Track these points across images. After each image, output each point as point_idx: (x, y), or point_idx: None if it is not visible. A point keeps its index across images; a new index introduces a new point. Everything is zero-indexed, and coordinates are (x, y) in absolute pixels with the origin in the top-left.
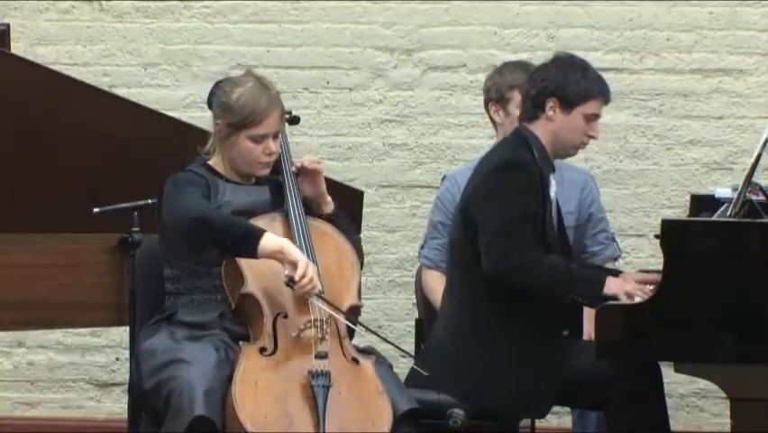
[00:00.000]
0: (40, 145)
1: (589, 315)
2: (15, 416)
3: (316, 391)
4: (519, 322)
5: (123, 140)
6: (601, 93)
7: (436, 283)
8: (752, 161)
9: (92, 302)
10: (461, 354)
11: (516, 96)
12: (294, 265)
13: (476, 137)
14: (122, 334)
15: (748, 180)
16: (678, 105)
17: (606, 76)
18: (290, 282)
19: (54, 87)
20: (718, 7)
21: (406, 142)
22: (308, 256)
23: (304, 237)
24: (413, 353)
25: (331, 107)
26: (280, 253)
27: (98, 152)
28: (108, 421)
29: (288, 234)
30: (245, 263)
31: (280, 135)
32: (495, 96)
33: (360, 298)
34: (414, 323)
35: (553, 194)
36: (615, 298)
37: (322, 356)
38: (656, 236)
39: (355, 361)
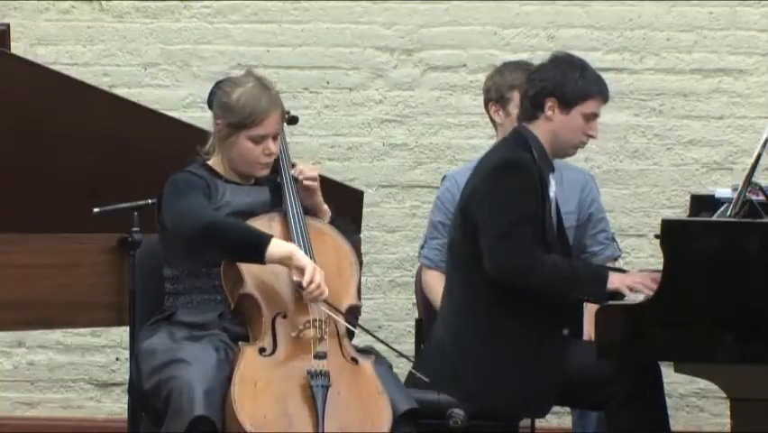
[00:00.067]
0: (40, 145)
1: (589, 315)
2: (15, 416)
3: (316, 391)
4: (519, 322)
5: (123, 140)
6: (600, 92)
7: (436, 283)
8: (752, 161)
9: (92, 302)
10: (460, 354)
11: (516, 97)
12: (301, 271)
13: (476, 137)
14: (122, 334)
15: (748, 180)
16: (678, 105)
17: (606, 76)
18: (300, 288)
19: (54, 87)
20: (718, 7)
21: (406, 142)
22: (308, 256)
23: (303, 237)
24: (413, 353)
25: (331, 107)
26: (288, 259)
27: (98, 152)
28: (108, 421)
29: (287, 234)
30: (245, 264)
31: (279, 136)
32: (495, 96)
33: (359, 298)
34: (414, 323)
35: (552, 194)
36: (618, 293)
37: (321, 356)
38: (656, 236)
39: (354, 361)
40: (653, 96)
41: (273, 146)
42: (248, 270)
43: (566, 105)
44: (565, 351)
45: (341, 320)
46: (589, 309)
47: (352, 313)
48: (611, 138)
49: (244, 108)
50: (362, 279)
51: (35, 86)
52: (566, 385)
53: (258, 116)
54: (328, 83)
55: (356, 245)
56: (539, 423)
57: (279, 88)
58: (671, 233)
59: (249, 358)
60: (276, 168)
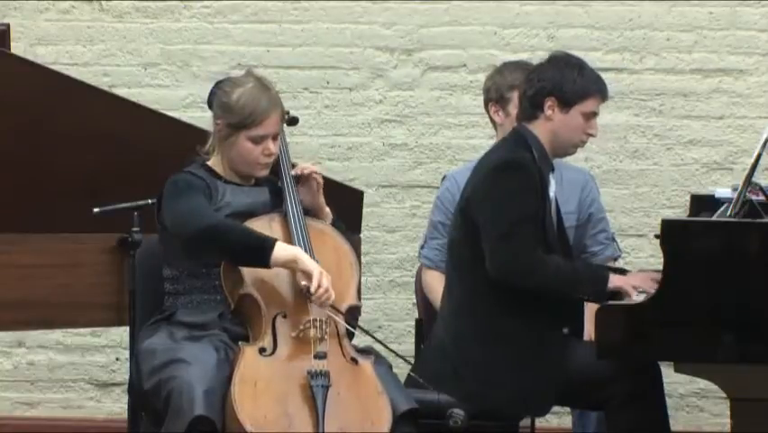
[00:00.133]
0: (40, 145)
1: (590, 315)
2: (15, 416)
3: (316, 392)
4: (519, 321)
5: (123, 140)
6: (599, 91)
7: (436, 283)
8: (752, 161)
9: (92, 302)
10: (461, 354)
11: (516, 97)
12: (307, 275)
13: (476, 137)
14: (122, 334)
15: (748, 180)
16: (678, 105)
17: (606, 76)
18: (307, 293)
19: (54, 87)
20: (718, 7)
21: (406, 142)
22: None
23: (303, 238)
24: (413, 353)
25: (331, 107)
26: (294, 262)
27: (98, 152)
28: (108, 421)
29: (287, 234)
30: None
31: (279, 136)
32: (495, 97)
33: (359, 298)
34: (414, 323)
35: (552, 193)
36: (618, 293)
37: (321, 356)
38: (656, 236)
39: (354, 361)
40: (653, 96)
41: (273, 146)
42: (248, 270)
43: (565, 104)
44: (565, 350)
45: (339, 320)
46: (590, 309)
47: (352, 313)
48: (611, 138)
49: (244, 108)
50: (362, 279)
51: (35, 86)
52: (566, 385)
53: (258, 117)
54: (328, 83)
55: (356, 245)
56: (539, 423)
57: (279, 88)
58: (671, 233)
59: (249, 358)
60: (276, 168)
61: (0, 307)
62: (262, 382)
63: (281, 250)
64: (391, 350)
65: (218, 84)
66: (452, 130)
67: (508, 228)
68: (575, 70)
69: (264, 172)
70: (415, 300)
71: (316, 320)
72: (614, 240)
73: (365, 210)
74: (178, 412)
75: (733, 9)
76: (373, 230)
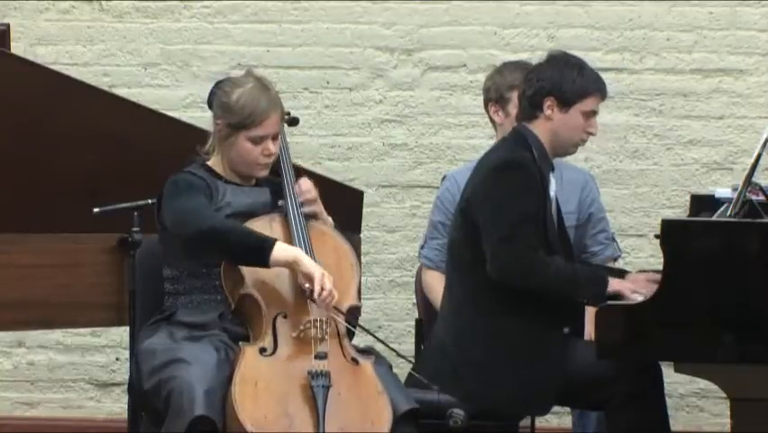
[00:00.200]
0: (40, 145)
1: (590, 315)
2: (15, 416)
3: (316, 392)
4: (520, 321)
5: (123, 140)
6: (598, 89)
7: (436, 283)
8: (752, 161)
9: (92, 302)
10: (461, 353)
11: (516, 97)
12: (309, 277)
13: (476, 137)
14: (122, 334)
15: (748, 180)
16: (678, 105)
17: (606, 76)
18: (310, 295)
19: (54, 87)
20: (718, 7)
21: (406, 142)
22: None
23: (303, 238)
24: (413, 353)
25: (331, 107)
26: (294, 263)
27: (98, 151)
28: (108, 421)
29: (287, 234)
30: None
31: (280, 136)
32: (494, 97)
33: (359, 298)
34: (414, 323)
35: (552, 193)
36: (617, 296)
37: (321, 357)
38: (656, 236)
39: (355, 361)
40: (653, 96)
41: (273, 147)
42: (248, 270)
43: (565, 103)
44: (566, 350)
45: (340, 320)
46: (591, 309)
47: (353, 314)
48: (611, 138)
49: (244, 109)
50: (362, 279)
51: (35, 86)
52: (566, 385)
53: (257, 117)
54: (328, 83)
55: (356, 245)
56: (539, 423)
57: (279, 88)
58: (671, 233)
59: (249, 358)
60: (276, 169)
61: (0, 307)
62: (263, 382)
63: (281, 250)
64: (392, 349)
65: (218, 84)
66: (452, 130)
67: (509, 230)
68: (574, 70)
69: (264, 173)
70: (415, 300)
71: (317, 320)
72: (614, 240)
73: (365, 210)
74: (179, 412)
75: (733, 9)
76: (373, 230)
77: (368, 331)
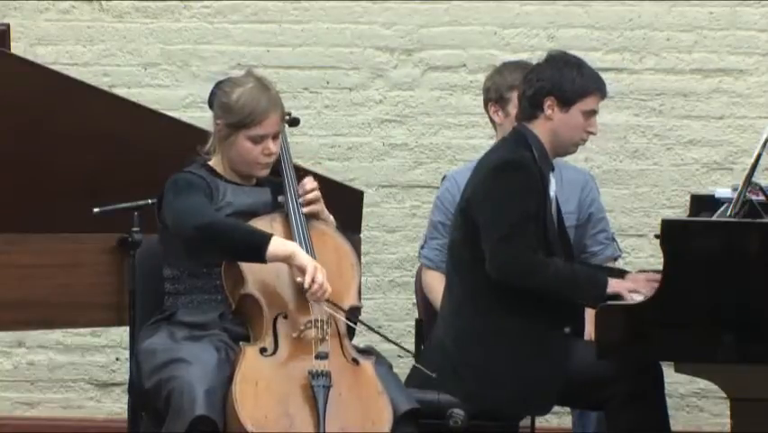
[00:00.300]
0: (40, 145)
1: (590, 315)
2: (15, 416)
3: (317, 392)
4: (520, 320)
5: (123, 140)
6: (598, 89)
7: (436, 283)
8: (752, 161)
9: (92, 302)
10: (461, 353)
11: (516, 97)
12: (302, 270)
13: (476, 137)
14: (122, 334)
15: (748, 180)
16: (678, 105)
17: (606, 76)
18: (303, 288)
19: (54, 87)
20: (718, 7)
21: (406, 142)
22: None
23: (304, 237)
24: (413, 353)
25: (331, 107)
26: (290, 258)
27: (98, 151)
28: (108, 421)
29: (288, 234)
30: (246, 264)
31: (280, 136)
32: (494, 97)
33: (360, 299)
34: (414, 323)
35: (552, 193)
36: (617, 296)
37: (322, 357)
38: (656, 236)
39: (355, 361)
40: (653, 96)
41: (273, 146)
42: (249, 270)
43: (565, 103)
44: (566, 349)
45: (342, 318)
46: (591, 310)
47: (353, 314)
48: (611, 138)
49: (244, 108)
50: (362, 279)
51: (35, 86)
52: (566, 385)
53: (257, 116)
54: (328, 83)
55: (356, 245)
56: (539, 423)
57: (279, 88)
58: (671, 233)
59: (250, 358)
60: (277, 169)
61: (0, 307)
62: (263, 382)
63: (277, 245)
64: (395, 343)
65: (218, 84)
66: (452, 130)
67: (509, 229)
68: (574, 69)
69: (264, 172)
70: (415, 300)
71: (317, 321)
72: (614, 240)
73: (365, 210)
74: (179, 412)
75: (733, 9)
76: (373, 230)
77: (369, 327)
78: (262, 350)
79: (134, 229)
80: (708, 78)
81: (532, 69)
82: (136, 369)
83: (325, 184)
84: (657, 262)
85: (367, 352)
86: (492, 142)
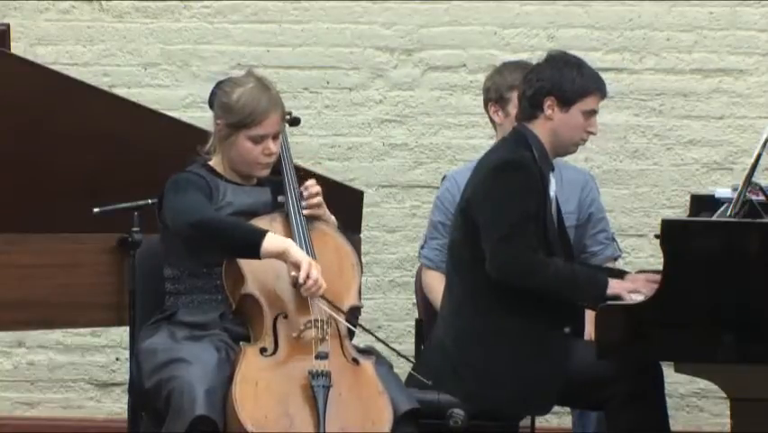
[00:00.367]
0: (40, 145)
1: (590, 315)
2: (15, 416)
3: (317, 392)
4: (520, 320)
5: (123, 140)
6: (598, 88)
7: (436, 283)
8: (752, 161)
9: (92, 302)
10: (461, 353)
11: (516, 97)
12: (296, 266)
13: (476, 137)
14: (122, 334)
15: (748, 180)
16: (678, 105)
17: (606, 76)
18: (296, 284)
19: (54, 87)
20: (718, 7)
21: (406, 142)
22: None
23: (304, 237)
24: (413, 353)
25: (331, 107)
26: (284, 253)
27: (98, 151)
28: (108, 421)
29: (289, 234)
30: (245, 264)
31: (281, 136)
32: (494, 97)
33: (360, 299)
34: (414, 323)
35: (552, 193)
36: (617, 297)
37: (322, 357)
38: (656, 236)
39: (355, 361)
40: (653, 96)
41: (273, 146)
42: (249, 270)
43: (565, 103)
44: (566, 349)
45: (341, 319)
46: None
47: (353, 314)
48: (611, 138)
49: (244, 108)
50: (363, 279)
51: (35, 86)
52: (566, 385)
53: (257, 116)
54: (328, 83)
55: (356, 245)
56: (539, 423)
57: (279, 88)
58: (671, 233)
59: (250, 358)
60: (277, 168)
61: (0, 307)
62: (263, 382)
63: (272, 241)
64: (392, 348)
65: (219, 84)
66: (452, 130)
67: (509, 229)
68: (574, 69)
69: (265, 172)
70: (415, 300)
71: (317, 321)
72: (614, 240)
73: (365, 210)
74: (179, 412)
75: (733, 9)
76: (373, 230)
77: (368, 331)
78: (262, 350)
79: (134, 229)
80: (708, 78)
81: (532, 69)
82: (136, 369)
83: (325, 184)
84: (657, 262)
85: (367, 352)
86: (492, 142)
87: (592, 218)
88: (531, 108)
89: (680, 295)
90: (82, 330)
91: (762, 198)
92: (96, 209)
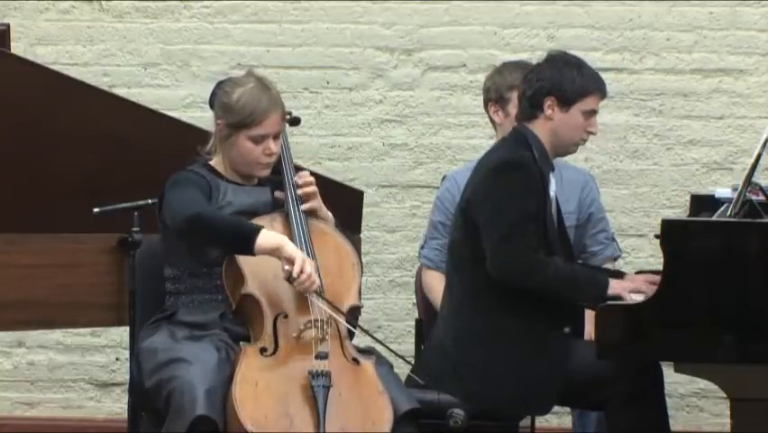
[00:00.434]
0: (40, 145)
1: (590, 315)
2: (15, 416)
3: (317, 392)
4: (520, 320)
5: (123, 140)
6: (598, 88)
7: (436, 283)
8: (752, 161)
9: (92, 302)
10: (461, 353)
11: (516, 97)
12: (290, 261)
13: (476, 137)
14: (122, 334)
15: (748, 180)
16: (678, 105)
17: (606, 76)
18: (289, 279)
19: (54, 87)
20: (718, 7)
21: (406, 142)
22: (308, 256)
23: (304, 237)
24: (413, 353)
25: (331, 107)
26: (278, 250)
27: (98, 151)
28: (108, 421)
29: (289, 234)
30: (245, 264)
31: (281, 136)
32: (494, 97)
33: (360, 298)
34: (414, 323)
35: (552, 193)
36: (617, 298)
37: (322, 357)
38: (656, 236)
39: (356, 361)
40: (653, 96)
41: (273, 146)
42: (249, 270)
43: (565, 103)
44: (566, 349)
45: (341, 319)
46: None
47: (353, 313)
48: (611, 138)
49: (244, 108)
50: (363, 279)
51: (35, 86)
52: (566, 385)
53: (258, 116)
54: (328, 83)
55: (356, 245)
56: (539, 423)
57: (279, 88)
58: (671, 233)
59: (250, 358)
60: (278, 168)
61: (0, 307)
62: (263, 382)
63: (267, 237)
64: (391, 350)
65: (219, 84)
66: (452, 130)
67: (509, 229)
68: (574, 69)
69: (265, 172)
70: (415, 300)
71: (317, 321)
72: (614, 240)
73: (365, 210)
74: (179, 412)
75: (733, 9)
76: (373, 230)
77: (366, 332)
78: (262, 350)
79: (134, 229)
80: (708, 78)
81: (532, 69)
82: (136, 368)
83: (325, 184)
84: (657, 262)
85: (367, 352)
86: (492, 142)
87: (592, 218)
88: (531, 108)
89: (680, 295)
90: (82, 330)
91: (762, 198)
92: (96, 209)
